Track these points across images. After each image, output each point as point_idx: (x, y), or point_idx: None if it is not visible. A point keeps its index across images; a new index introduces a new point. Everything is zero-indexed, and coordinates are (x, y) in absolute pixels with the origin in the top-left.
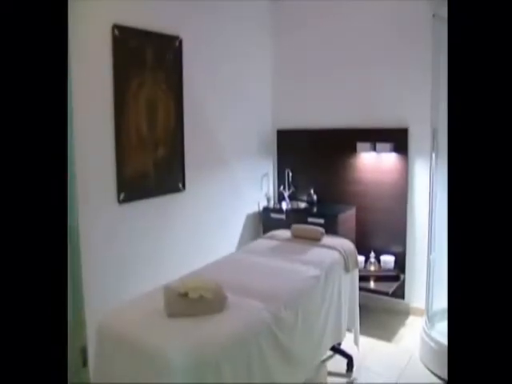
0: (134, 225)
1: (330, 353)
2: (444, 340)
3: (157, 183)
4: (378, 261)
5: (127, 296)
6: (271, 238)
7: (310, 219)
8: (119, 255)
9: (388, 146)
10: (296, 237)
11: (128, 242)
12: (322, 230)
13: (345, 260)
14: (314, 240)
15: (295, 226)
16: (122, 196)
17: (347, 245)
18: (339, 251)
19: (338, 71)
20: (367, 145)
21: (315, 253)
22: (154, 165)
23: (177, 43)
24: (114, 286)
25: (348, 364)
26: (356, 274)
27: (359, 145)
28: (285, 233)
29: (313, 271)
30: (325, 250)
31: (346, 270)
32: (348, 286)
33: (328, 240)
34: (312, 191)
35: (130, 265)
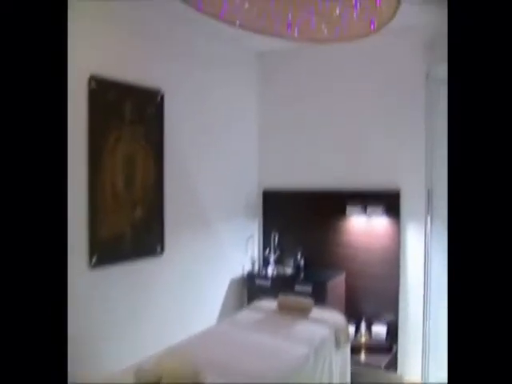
0: (107, 292)
1: None
2: None
3: (133, 246)
4: (369, 330)
5: (96, 372)
6: (257, 309)
7: (298, 287)
8: (88, 326)
9: (379, 208)
10: (283, 308)
11: (99, 310)
12: (310, 302)
13: (336, 336)
14: (302, 312)
15: (282, 298)
16: (94, 259)
17: (338, 319)
18: (329, 326)
19: (326, 129)
20: (357, 207)
21: (304, 328)
22: (131, 225)
23: (158, 97)
24: (83, 361)
25: None
26: (347, 350)
27: (349, 208)
28: (271, 303)
29: (302, 349)
30: (314, 325)
31: (337, 346)
32: (339, 363)
33: (317, 313)
34: (299, 255)
35: (100, 337)
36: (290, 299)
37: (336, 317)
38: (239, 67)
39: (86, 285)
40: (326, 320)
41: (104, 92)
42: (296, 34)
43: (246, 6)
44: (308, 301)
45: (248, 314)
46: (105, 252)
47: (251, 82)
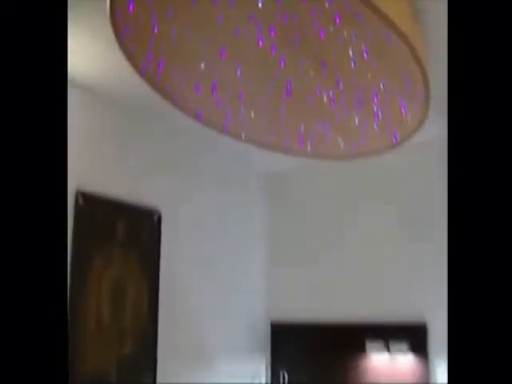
0: None
1: None
2: None
3: None
4: None
5: None
6: None
7: None
8: None
9: (404, 345)
10: None
11: None
12: None
13: None
14: None
15: None
16: None
17: None
18: None
19: (341, 254)
20: (378, 343)
21: None
22: (118, 363)
23: (155, 218)
24: None
25: None
26: None
27: (369, 343)
28: None
29: None
30: None
31: None
32: None
33: None
34: None
35: None
36: None
37: None
38: (246, 188)
39: None
40: None
41: (93, 209)
42: (309, 149)
43: (252, 115)
44: None
45: None
46: None
47: (258, 204)
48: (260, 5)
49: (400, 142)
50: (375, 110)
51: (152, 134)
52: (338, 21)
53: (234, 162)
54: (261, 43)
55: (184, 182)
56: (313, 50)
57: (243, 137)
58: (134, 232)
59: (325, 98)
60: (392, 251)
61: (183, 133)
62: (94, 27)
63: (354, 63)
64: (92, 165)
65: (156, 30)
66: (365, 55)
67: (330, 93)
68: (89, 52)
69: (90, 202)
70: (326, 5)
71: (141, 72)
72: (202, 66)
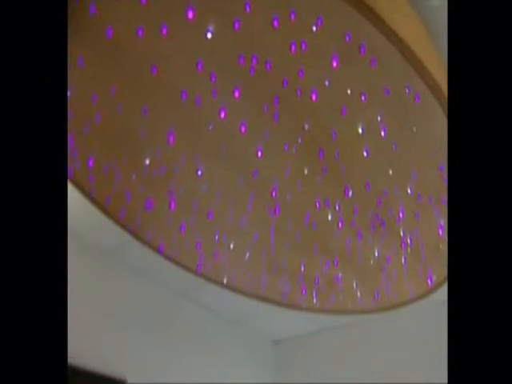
0: None
1: None
2: None
3: None
4: None
5: None
6: None
7: None
8: None
9: None
10: None
11: None
12: None
13: None
14: None
15: None
16: None
17: None
18: None
19: None
20: None
21: None
22: None
23: None
24: None
25: None
26: None
27: None
28: None
29: None
30: None
31: None
32: None
33: None
34: None
35: None
36: None
37: None
38: (243, 356)
39: None
40: None
41: None
42: (315, 301)
43: (232, 248)
44: None
45: None
46: None
47: (259, 376)
48: None
49: (436, 287)
50: (401, 234)
51: (118, 282)
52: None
53: (229, 324)
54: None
55: (162, 345)
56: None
57: (225, 282)
58: None
59: (329, 217)
60: None
61: (159, 280)
62: None
63: (367, 152)
64: None
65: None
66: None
67: (337, 207)
68: None
69: None
70: None
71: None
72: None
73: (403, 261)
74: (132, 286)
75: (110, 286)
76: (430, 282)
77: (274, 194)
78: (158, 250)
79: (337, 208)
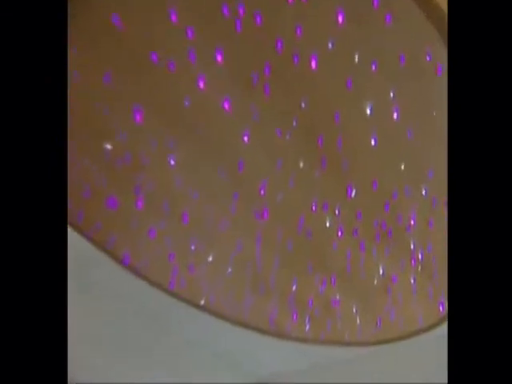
0: None
1: None
2: None
3: None
4: None
5: None
6: None
7: None
8: None
9: None
10: None
11: None
12: None
13: None
14: None
15: None
16: None
17: None
18: None
19: None
20: None
21: None
22: None
23: None
24: None
25: None
26: None
27: None
28: None
29: None
30: None
31: None
32: None
33: None
34: None
35: None
36: None
37: None
38: None
39: None
40: None
41: None
42: (307, 328)
43: (210, 259)
44: None
45: None
46: None
47: None
48: None
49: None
50: (412, 246)
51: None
52: None
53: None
54: None
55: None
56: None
57: (202, 303)
58: None
59: (327, 223)
60: None
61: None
62: None
63: (376, 141)
64: None
65: None
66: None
67: (336, 211)
68: None
69: None
70: None
71: None
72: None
73: (412, 280)
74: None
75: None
76: (441, 308)
77: (262, 192)
78: (123, 262)
79: (336, 212)
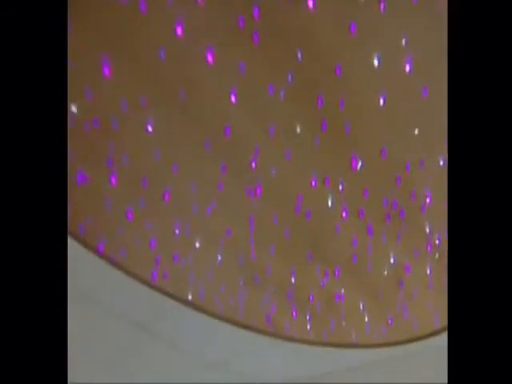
0: None
1: None
2: None
3: None
4: None
5: None
6: None
7: None
8: None
9: None
10: None
11: None
12: None
13: None
14: None
15: None
16: None
17: None
18: None
19: None
20: None
21: None
22: None
23: None
24: None
25: None
26: None
27: None
28: None
29: None
30: None
31: None
32: None
33: None
34: None
35: None
36: None
37: None
38: None
39: None
40: None
41: None
42: (308, 328)
43: (197, 245)
44: None
45: None
46: None
47: None
48: None
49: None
50: (427, 229)
51: None
52: None
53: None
54: None
55: None
56: None
57: (189, 298)
58: None
59: (329, 202)
60: None
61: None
62: None
63: (384, 99)
64: None
65: None
66: None
67: (340, 186)
68: None
69: None
70: None
71: None
72: None
73: (428, 270)
74: None
75: None
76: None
77: (253, 164)
78: (97, 250)
79: (340, 188)
